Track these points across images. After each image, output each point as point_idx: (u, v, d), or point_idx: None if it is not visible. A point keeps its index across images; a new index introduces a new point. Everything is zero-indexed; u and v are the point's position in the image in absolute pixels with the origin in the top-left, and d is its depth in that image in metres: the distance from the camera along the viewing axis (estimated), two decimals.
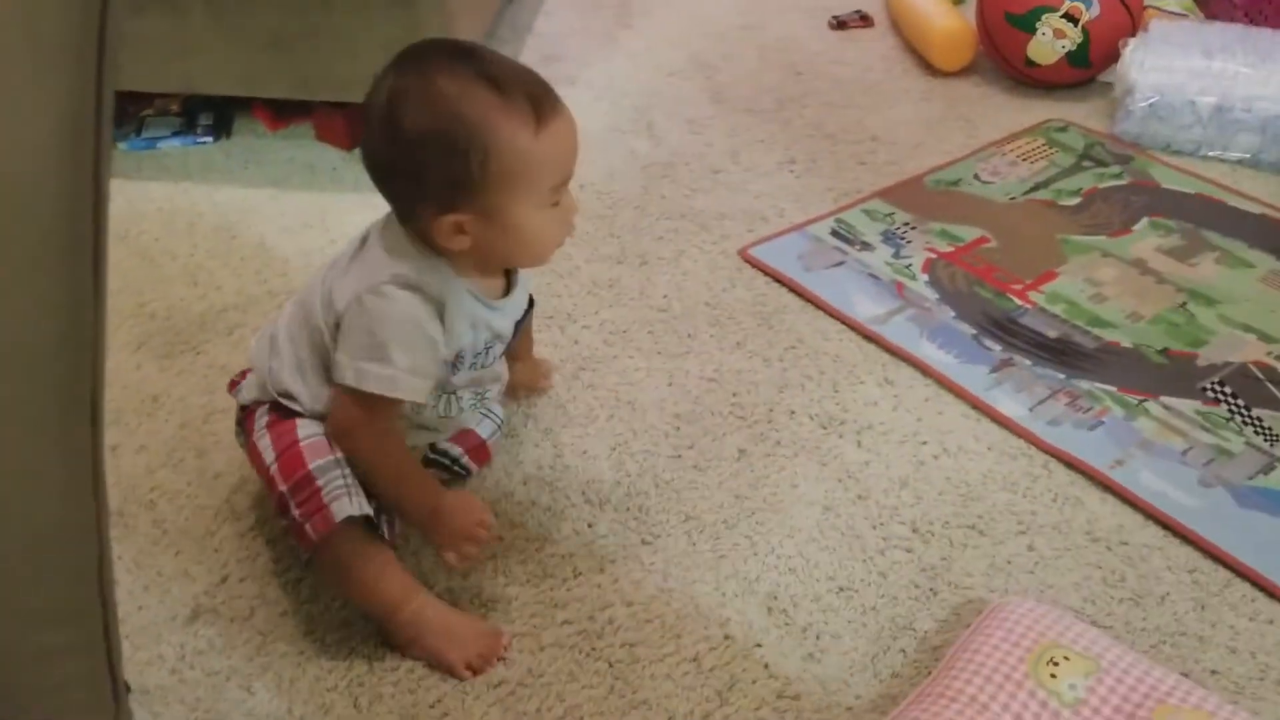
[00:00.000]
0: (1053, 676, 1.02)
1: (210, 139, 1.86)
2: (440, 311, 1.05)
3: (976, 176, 1.85)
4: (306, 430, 1.09)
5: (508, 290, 1.14)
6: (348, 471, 1.06)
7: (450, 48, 1.02)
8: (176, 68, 1.74)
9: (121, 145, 1.84)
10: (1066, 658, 1.03)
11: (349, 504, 1.03)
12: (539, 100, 0.99)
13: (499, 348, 1.17)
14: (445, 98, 0.97)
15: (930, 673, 1.08)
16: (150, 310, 1.53)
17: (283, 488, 1.05)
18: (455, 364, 1.11)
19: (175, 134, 1.86)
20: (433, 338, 1.05)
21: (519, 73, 1.01)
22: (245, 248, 1.66)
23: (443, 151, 0.98)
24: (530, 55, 2.18)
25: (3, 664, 0.43)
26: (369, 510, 1.05)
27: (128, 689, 0.69)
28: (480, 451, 1.28)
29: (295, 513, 1.04)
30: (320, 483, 1.04)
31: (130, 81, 1.76)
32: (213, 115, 1.90)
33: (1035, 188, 1.82)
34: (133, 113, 1.90)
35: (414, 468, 1.12)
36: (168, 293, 1.56)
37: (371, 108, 1.01)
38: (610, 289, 1.59)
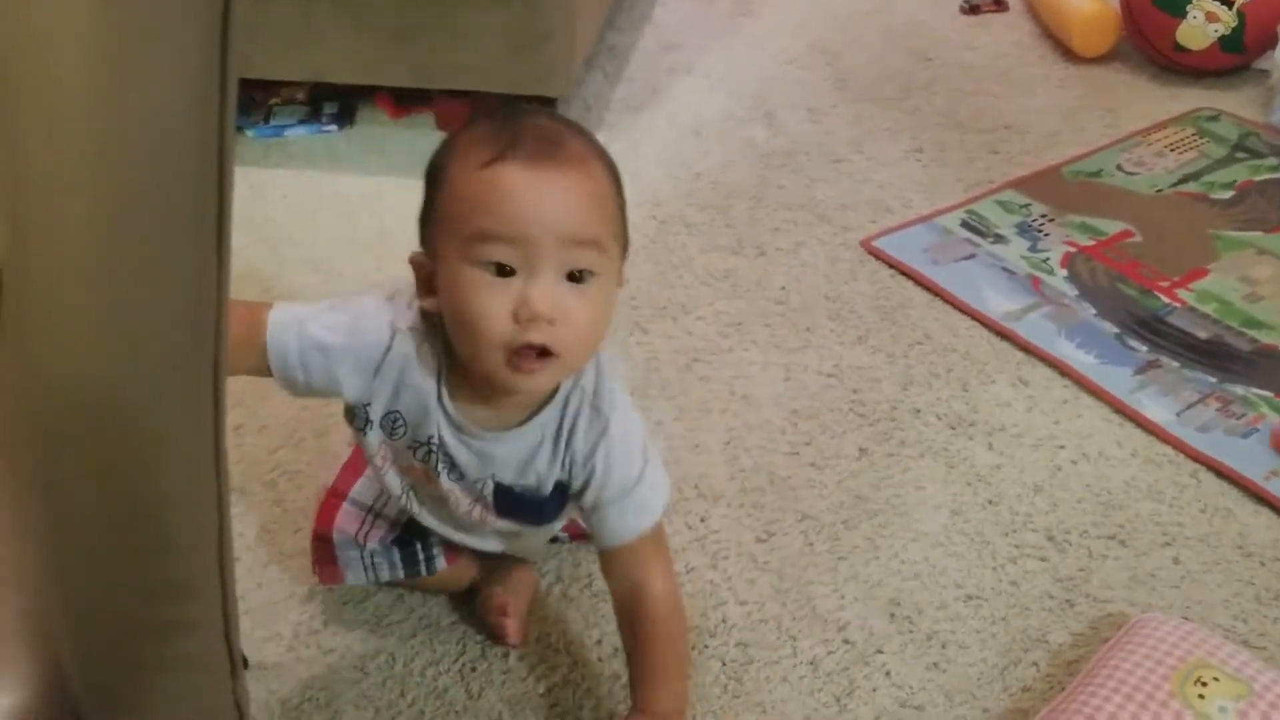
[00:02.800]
0: (1200, 697, 0.94)
1: (335, 127, 1.88)
2: (392, 351, 0.89)
3: (1119, 167, 1.75)
4: (358, 490, 1.07)
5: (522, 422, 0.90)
6: (369, 551, 1.06)
7: (533, 111, 0.87)
8: (303, 57, 1.76)
9: (249, 133, 1.88)
10: (1216, 679, 0.96)
11: (360, 575, 1.07)
12: (520, 144, 0.80)
13: (451, 477, 0.92)
14: (459, 134, 0.86)
15: (1064, 688, 1.01)
16: (274, 296, 1.54)
17: (314, 525, 1.07)
18: (386, 426, 0.92)
19: (301, 122, 1.88)
20: (338, 375, 0.90)
21: (544, 125, 0.84)
22: (366, 235, 1.66)
23: (427, 180, 0.87)
24: (648, 44, 2.14)
25: (124, 638, 0.43)
26: (374, 580, 1.08)
27: (245, 664, 0.69)
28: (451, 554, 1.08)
29: (311, 553, 1.08)
30: (336, 551, 1.06)
31: (259, 70, 1.78)
32: (337, 104, 1.91)
33: (1184, 180, 1.72)
34: (261, 101, 1.93)
35: None
36: (291, 279, 1.57)
37: None
38: (726, 280, 1.55)
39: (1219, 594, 1.12)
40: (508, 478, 0.92)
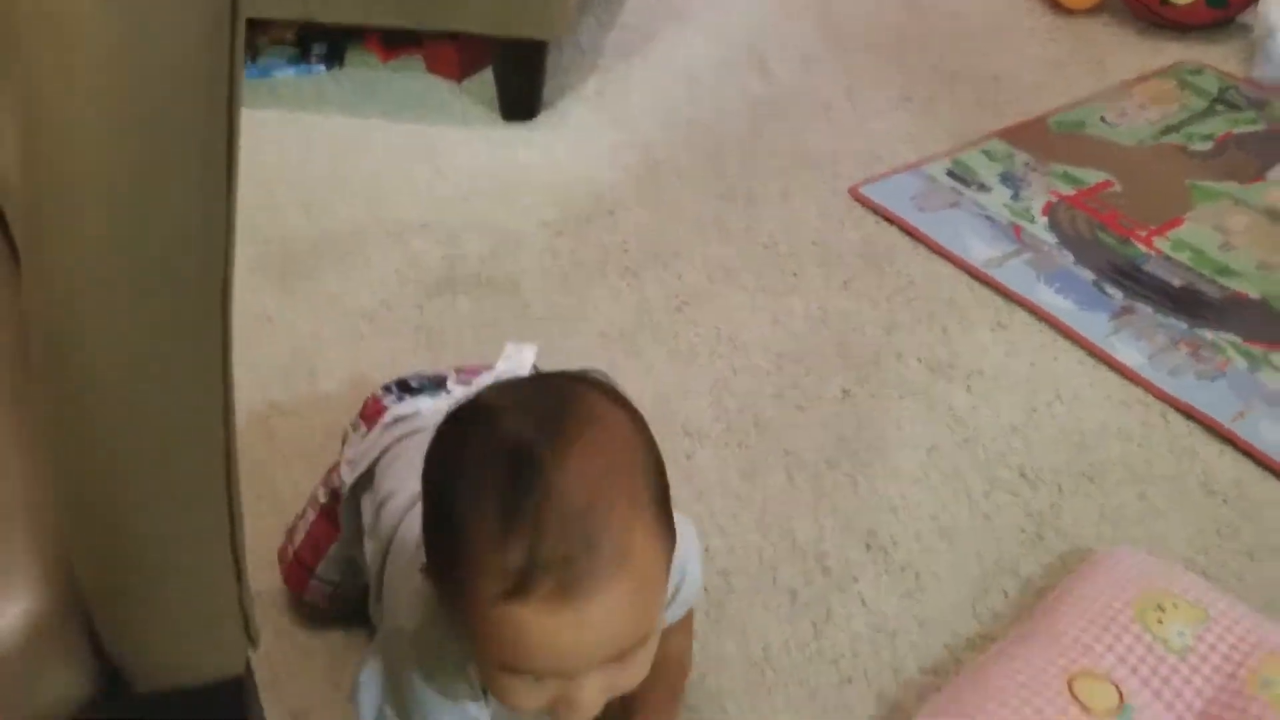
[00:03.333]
0: (1159, 622, 0.99)
1: (324, 68, 1.89)
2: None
3: (1103, 119, 1.78)
4: (324, 570, 1.04)
5: None
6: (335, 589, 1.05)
7: (534, 421, 0.68)
8: None
9: None
10: (1175, 605, 1.01)
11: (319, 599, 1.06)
12: (538, 571, 0.65)
13: None
14: (459, 468, 0.69)
15: (1032, 615, 1.06)
16: (264, 236, 1.57)
17: (291, 543, 1.06)
18: None
19: (290, 63, 1.89)
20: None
21: (569, 516, 0.65)
22: (356, 177, 1.68)
23: (428, 509, 0.74)
24: None
25: (138, 547, 0.46)
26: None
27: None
28: None
29: (288, 554, 1.06)
30: (311, 578, 1.05)
31: (247, 10, 1.79)
32: (326, 45, 1.92)
33: (1165, 131, 1.75)
34: (249, 41, 1.94)
35: None
36: (281, 220, 1.60)
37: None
38: (716, 226, 1.58)
39: (1183, 530, 1.17)
40: None
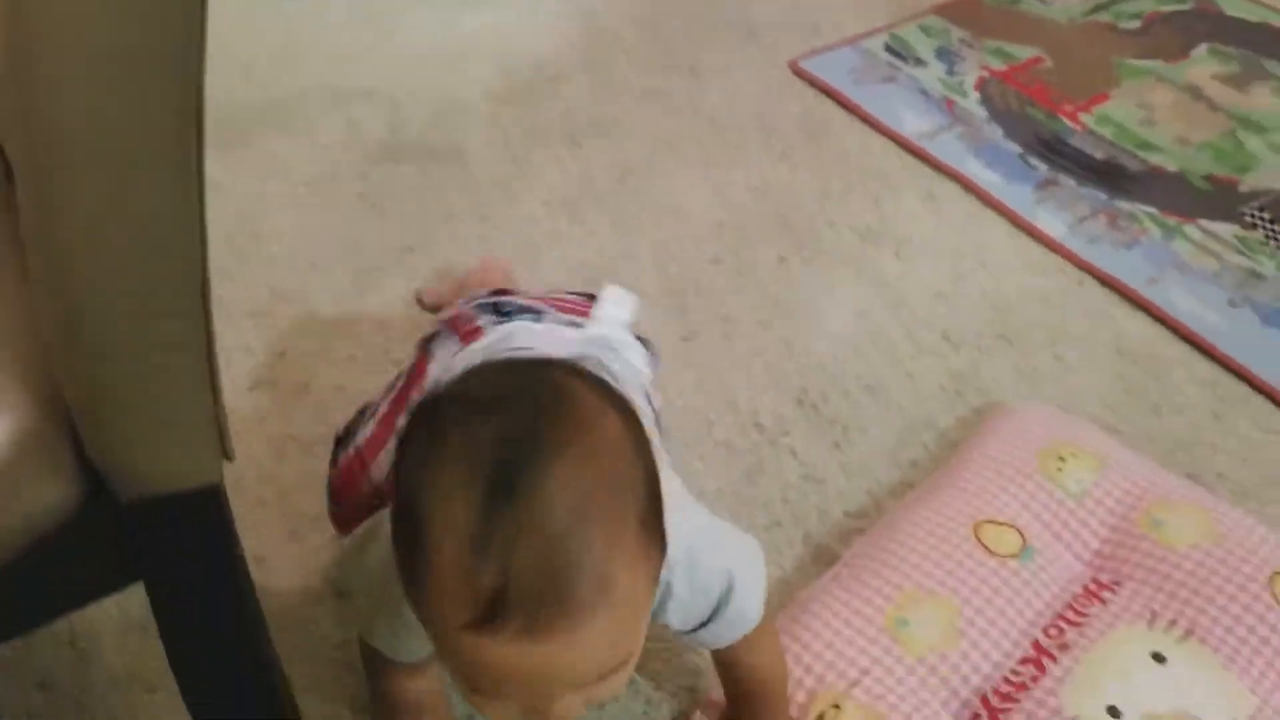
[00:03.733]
0: (1059, 471, 1.07)
1: None
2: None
3: None
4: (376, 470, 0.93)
5: None
6: None
7: (515, 430, 0.61)
8: None
9: None
10: (1074, 455, 1.09)
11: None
12: (509, 605, 0.58)
13: None
14: (431, 479, 0.62)
15: (936, 473, 1.14)
16: (208, 100, 1.56)
17: (347, 449, 0.96)
18: None
19: None
20: None
21: (544, 554, 0.59)
22: (299, 43, 1.67)
23: (396, 515, 0.66)
24: None
25: (118, 359, 0.49)
26: None
27: (228, 456, 0.72)
28: None
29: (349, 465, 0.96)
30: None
31: None
32: None
33: (1096, 9, 1.79)
34: None
35: None
36: (224, 85, 1.59)
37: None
38: (658, 98, 1.61)
39: (1094, 388, 1.25)
40: None
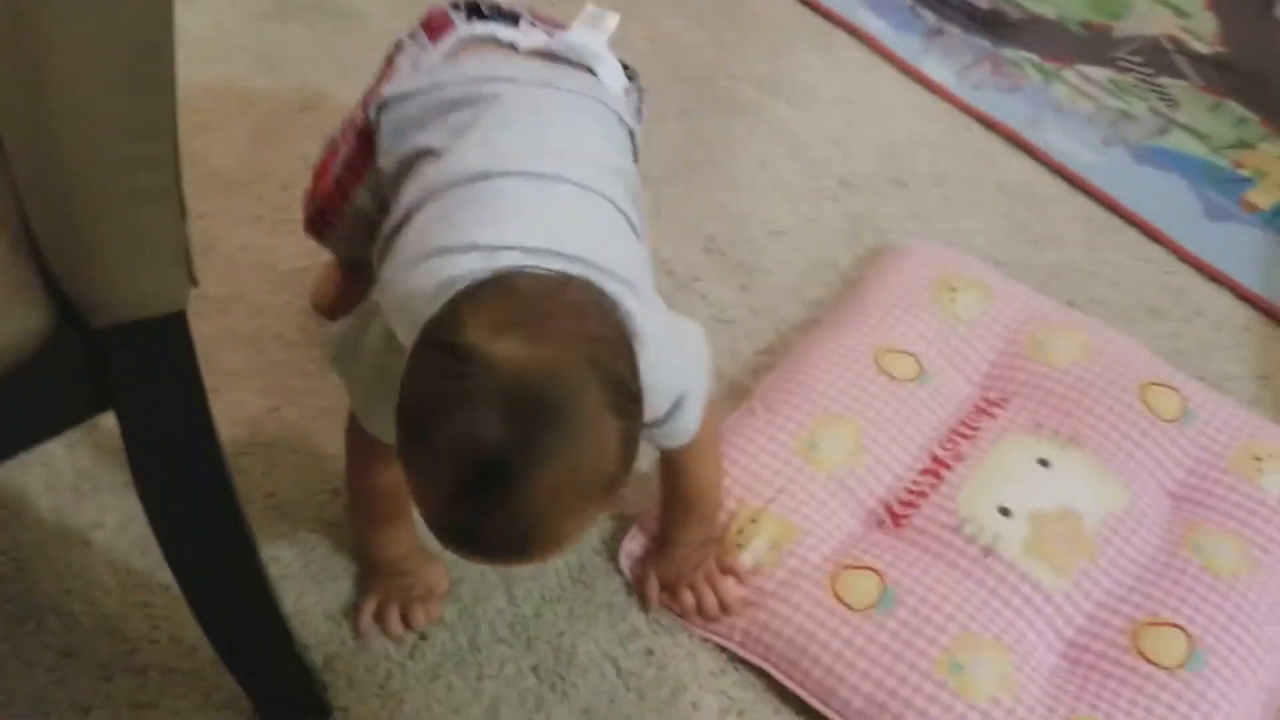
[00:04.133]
0: (951, 301, 1.15)
1: None
2: None
3: None
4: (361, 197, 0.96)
5: None
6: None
7: (509, 415, 0.65)
8: None
9: None
10: (964, 285, 1.17)
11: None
12: (478, 540, 0.68)
13: None
14: (426, 437, 0.67)
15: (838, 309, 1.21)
16: None
17: (326, 174, 1.00)
18: None
19: None
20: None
21: (512, 530, 0.67)
22: None
23: (400, 422, 0.70)
24: None
25: (97, 175, 0.50)
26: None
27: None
28: None
29: (324, 184, 1.01)
30: (345, 204, 0.98)
31: None
32: None
33: None
34: None
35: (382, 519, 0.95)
36: None
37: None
38: None
39: (980, 225, 1.33)
40: None
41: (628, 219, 0.84)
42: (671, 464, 0.94)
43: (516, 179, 0.78)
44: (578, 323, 0.68)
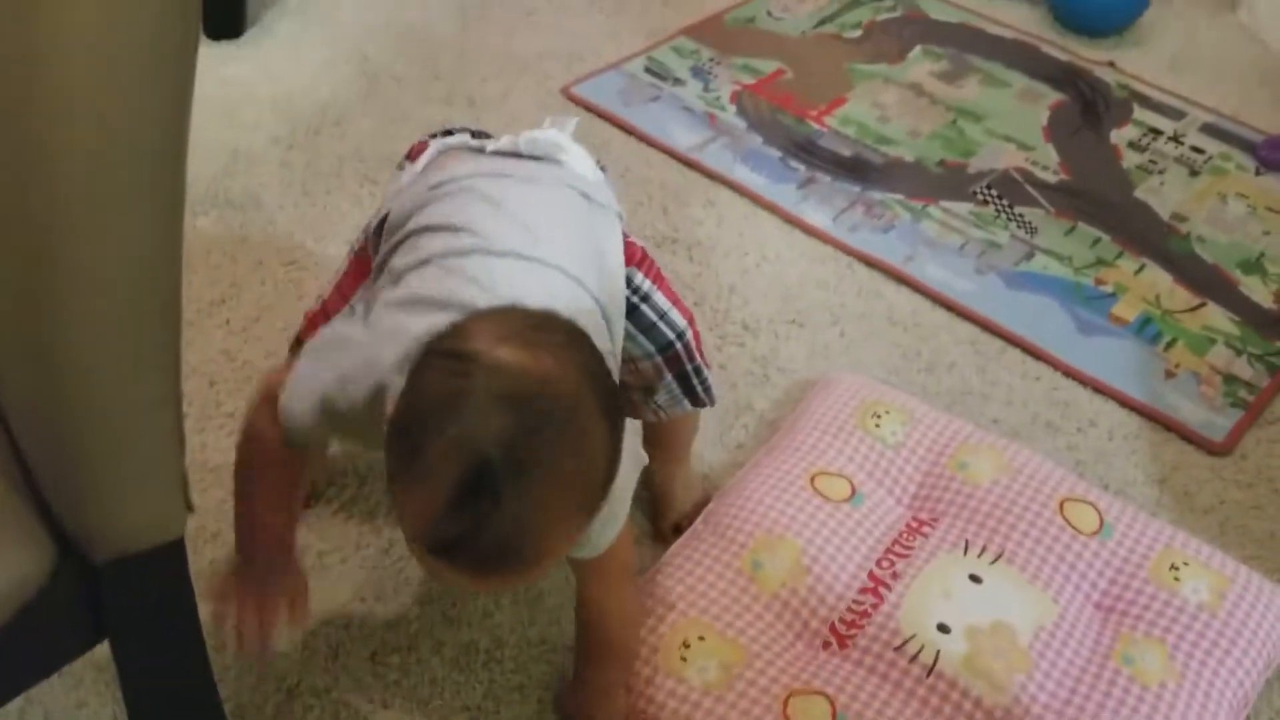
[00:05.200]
0: (876, 426, 1.22)
1: None
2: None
3: (769, 13, 1.99)
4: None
5: None
6: None
7: (507, 428, 0.69)
8: None
9: None
10: (887, 412, 1.24)
11: None
12: (467, 550, 0.70)
13: None
14: (423, 438, 0.70)
15: (770, 441, 1.27)
16: None
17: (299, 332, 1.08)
18: None
19: None
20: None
21: (503, 540, 0.70)
22: None
23: (392, 425, 0.74)
24: None
25: (104, 413, 0.51)
26: None
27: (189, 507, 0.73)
28: None
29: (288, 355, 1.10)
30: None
31: None
32: None
33: (822, 22, 1.98)
34: None
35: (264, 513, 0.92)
36: None
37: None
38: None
39: (877, 357, 1.41)
40: None
41: (596, 301, 0.93)
42: (584, 596, 0.95)
43: (511, 259, 0.89)
44: (572, 339, 0.75)
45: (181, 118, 0.51)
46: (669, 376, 1.08)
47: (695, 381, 1.10)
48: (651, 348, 1.06)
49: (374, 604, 1.11)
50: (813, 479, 1.16)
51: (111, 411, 0.52)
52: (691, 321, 1.09)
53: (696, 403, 1.11)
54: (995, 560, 1.10)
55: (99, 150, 0.47)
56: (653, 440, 1.10)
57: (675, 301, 1.07)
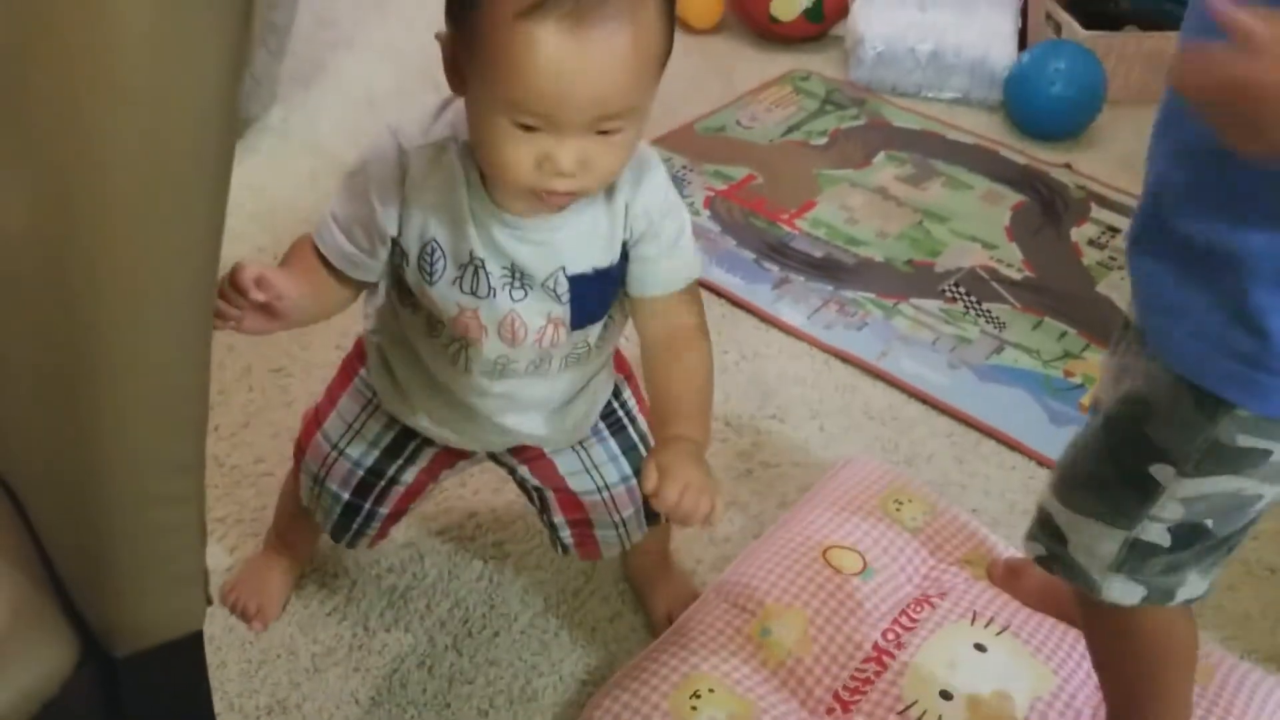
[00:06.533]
0: (898, 510, 1.26)
1: None
2: (409, 173, 0.85)
3: (738, 122, 2.07)
4: (330, 423, 1.06)
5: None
6: (325, 488, 1.08)
7: None
8: None
9: None
10: (910, 499, 1.28)
11: (308, 502, 1.11)
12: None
13: (515, 295, 0.88)
14: None
15: (757, 536, 1.28)
16: None
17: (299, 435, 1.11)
18: (424, 266, 0.88)
19: None
20: (370, 200, 0.86)
21: None
22: None
23: None
24: (305, 20, 2.21)
25: (130, 512, 0.53)
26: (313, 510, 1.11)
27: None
28: (583, 535, 1.11)
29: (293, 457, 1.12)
30: (301, 474, 1.10)
31: None
32: None
33: (789, 130, 2.06)
34: None
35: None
36: None
37: None
38: None
39: (857, 450, 1.44)
40: (579, 263, 0.88)
41: None
42: (670, 343, 0.93)
43: None
44: None
45: (218, 219, 0.54)
46: (640, 501, 1.08)
47: None
48: (629, 470, 1.08)
49: (369, 707, 1.11)
50: (825, 551, 1.19)
51: (136, 507, 0.53)
52: None
53: (653, 523, 1.13)
54: (1001, 632, 1.13)
55: (142, 255, 0.49)
56: (630, 548, 1.14)
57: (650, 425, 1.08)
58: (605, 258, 0.89)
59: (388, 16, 2.27)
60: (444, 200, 0.85)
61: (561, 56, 0.72)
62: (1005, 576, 1.20)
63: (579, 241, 0.87)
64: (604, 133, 0.77)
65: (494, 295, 0.87)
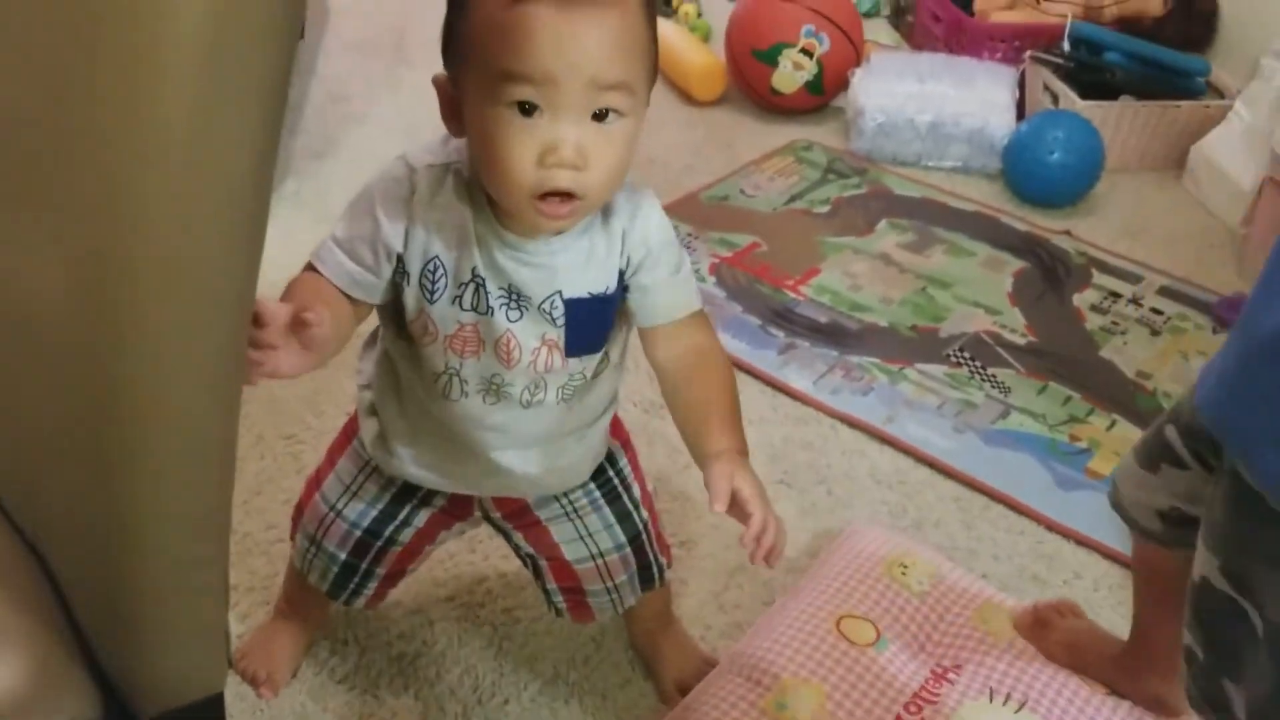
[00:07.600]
0: (903, 575, 1.26)
1: None
2: (417, 191, 0.87)
3: (742, 191, 2.10)
4: (328, 485, 1.08)
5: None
6: (322, 549, 1.09)
7: None
8: None
9: None
10: (914, 563, 1.28)
11: (303, 564, 1.13)
12: None
13: (511, 316, 0.89)
14: None
15: (766, 601, 1.28)
16: None
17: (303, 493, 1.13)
18: (426, 283, 0.88)
19: None
20: (376, 216, 0.87)
21: None
22: None
23: None
24: (317, 95, 2.27)
25: (157, 576, 0.54)
26: (306, 571, 1.12)
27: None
28: (575, 601, 1.12)
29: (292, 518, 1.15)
30: (299, 534, 1.12)
31: None
32: None
33: (792, 199, 2.09)
34: None
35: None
36: None
37: None
38: None
39: (864, 514, 1.44)
40: (575, 288, 0.90)
41: None
42: (689, 358, 0.98)
43: None
44: None
45: (250, 286, 0.55)
46: (634, 567, 1.11)
47: (654, 570, 1.14)
48: (624, 538, 1.09)
49: None
50: (838, 622, 1.19)
51: (166, 567, 0.54)
52: (653, 513, 1.14)
53: (648, 588, 1.14)
54: (1020, 708, 1.13)
55: (176, 321, 0.51)
56: (630, 615, 1.16)
57: (644, 494, 1.12)
58: (602, 283, 0.90)
59: (400, 92, 2.32)
60: (449, 219, 0.87)
61: (556, 24, 0.76)
62: (1033, 628, 1.21)
63: (577, 266, 0.89)
64: (601, 120, 0.80)
65: (492, 314, 0.89)
